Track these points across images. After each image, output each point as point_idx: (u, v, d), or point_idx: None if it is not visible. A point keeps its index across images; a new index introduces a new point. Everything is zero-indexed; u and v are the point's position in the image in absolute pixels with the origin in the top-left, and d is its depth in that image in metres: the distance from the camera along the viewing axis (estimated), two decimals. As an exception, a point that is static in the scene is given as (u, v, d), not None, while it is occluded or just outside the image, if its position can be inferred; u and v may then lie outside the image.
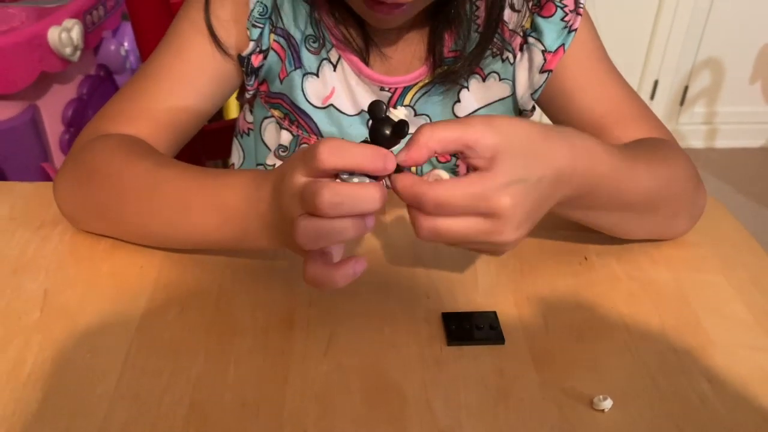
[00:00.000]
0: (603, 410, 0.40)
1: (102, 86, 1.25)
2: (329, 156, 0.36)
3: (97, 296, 0.47)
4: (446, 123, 0.38)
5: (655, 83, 1.95)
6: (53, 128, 1.15)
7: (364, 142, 0.38)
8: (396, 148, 0.38)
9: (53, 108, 1.14)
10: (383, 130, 0.37)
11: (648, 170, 0.48)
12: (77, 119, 1.17)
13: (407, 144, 0.39)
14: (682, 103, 2.01)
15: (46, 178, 1.12)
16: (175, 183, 0.47)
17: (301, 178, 0.38)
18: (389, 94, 0.59)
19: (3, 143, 1.05)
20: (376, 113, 0.38)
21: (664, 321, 0.47)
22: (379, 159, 0.36)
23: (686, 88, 1.99)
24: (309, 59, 0.58)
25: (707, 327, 0.46)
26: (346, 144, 0.36)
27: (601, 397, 0.40)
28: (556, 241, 0.54)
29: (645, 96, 1.97)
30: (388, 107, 0.38)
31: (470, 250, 0.42)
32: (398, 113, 0.38)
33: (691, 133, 2.04)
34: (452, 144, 0.38)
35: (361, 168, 0.36)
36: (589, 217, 0.49)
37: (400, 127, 0.37)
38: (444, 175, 0.39)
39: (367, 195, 0.36)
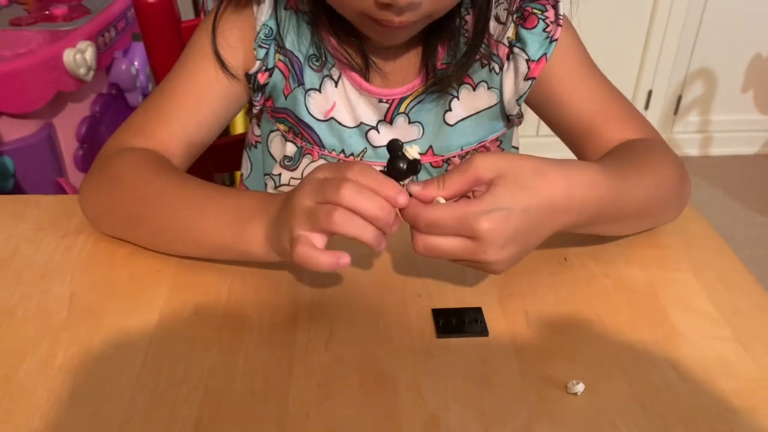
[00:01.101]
0: (576, 393, 0.44)
1: (114, 104, 1.30)
2: (358, 173, 0.43)
3: (119, 297, 0.52)
4: (452, 172, 0.45)
5: (649, 93, 2.00)
6: (68, 145, 1.20)
7: (382, 172, 0.45)
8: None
9: (68, 125, 1.19)
10: (399, 163, 0.44)
11: (640, 181, 0.53)
12: (90, 136, 1.22)
13: (424, 183, 0.45)
14: (676, 112, 2.05)
15: (61, 192, 1.17)
16: (196, 189, 0.53)
17: (320, 175, 0.44)
18: (387, 105, 0.64)
19: (21, 159, 1.10)
20: (394, 150, 0.44)
21: (636, 315, 0.51)
22: (394, 190, 0.43)
23: (680, 98, 2.03)
24: (311, 76, 0.63)
25: (675, 320, 0.51)
26: (374, 170, 0.43)
27: (574, 381, 0.44)
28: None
29: (639, 106, 2.01)
30: (403, 146, 0.45)
31: (467, 267, 0.47)
32: (412, 152, 0.45)
33: (685, 141, 2.08)
34: (463, 188, 0.45)
35: (378, 191, 0.43)
36: (590, 230, 0.54)
37: (414, 165, 0.44)
38: (442, 201, 0.45)
39: (381, 201, 0.43)
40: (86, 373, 0.45)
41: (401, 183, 0.45)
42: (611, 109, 0.62)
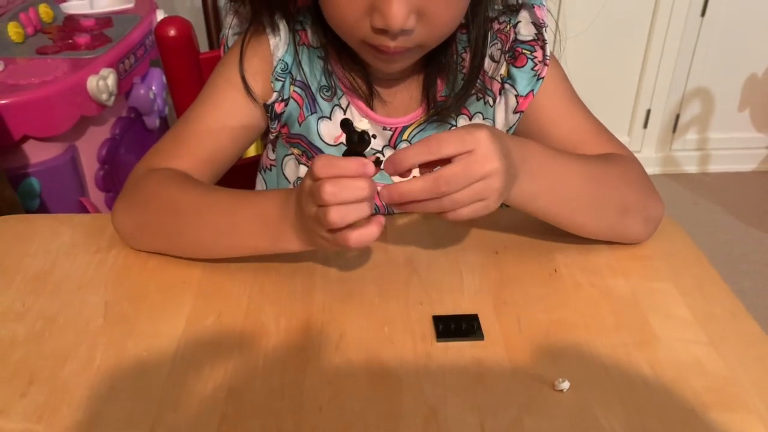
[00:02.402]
0: (562, 390, 0.49)
1: (133, 127, 1.36)
2: (321, 169, 0.48)
3: (149, 306, 0.57)
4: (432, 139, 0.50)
5: (648, 112, 2.05)
6: (89, 166, 1.26)
7: (345, 149, 0.51)
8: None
9: (90, 147, 1.25)
10: (353, 137, 0.50)
11: (587, 163, 0.60)
12: (111, 157, 1.28)
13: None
14: (674, 130, 2.10)
15: (84, 210, 1.23)
16: (223, 201, 0.59)
17: (308, 182, 0.50)
18: (390, 133, 0.70)
19: (47, 180, 1.16)
20: (347, 127, 0.50)
21: (618, 321, 0.56)
22: (360, 166, 0.48)
23: (677, 117, 2.08)
24: (323, 105, 0.69)
25: (654, 325, 0.55)
26: (334, 159, 0.49)
27: (560, 379, 0.49)
28: (531, 256, 0.63)
29: (638, 124, 2.07)
30: (352, 123, 0.50)
31: (480, 200, 0.51)
32: (362, 125, 0.50)
33: (684, 159, 2.13)
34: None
35: (346, 173, 0.48)
36: (543, 205, 0.58)
37: (362, 136, 0.50)
38: (416, 172, 0.51)
39: (357, 183, 0.48)
40: (122, 373, 0.50)
41: (363, 154, 0.50)
42: (592, 137, 0.68)
